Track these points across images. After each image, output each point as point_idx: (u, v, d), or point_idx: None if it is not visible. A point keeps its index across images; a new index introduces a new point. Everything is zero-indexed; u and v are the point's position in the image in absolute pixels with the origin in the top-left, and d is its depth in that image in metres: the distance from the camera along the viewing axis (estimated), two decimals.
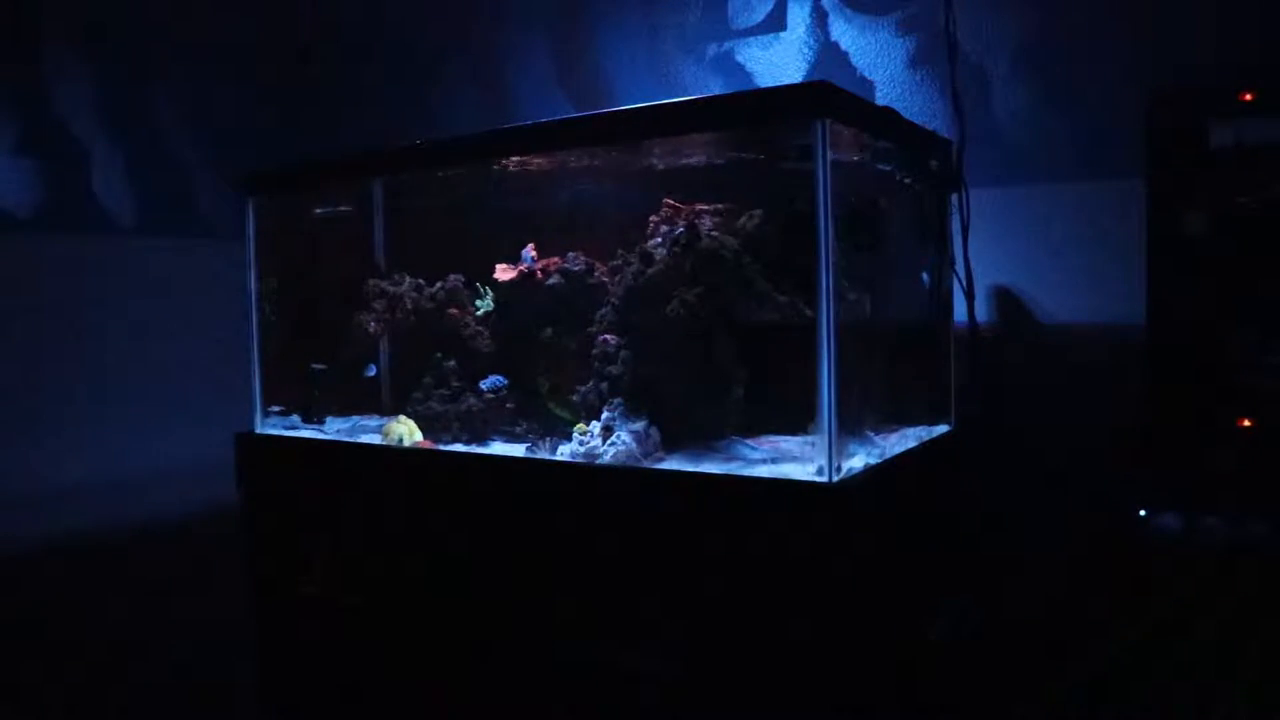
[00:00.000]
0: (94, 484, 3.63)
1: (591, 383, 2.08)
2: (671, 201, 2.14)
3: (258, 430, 2.59)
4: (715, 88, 3.12)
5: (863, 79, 2.85)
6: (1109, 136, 2.47)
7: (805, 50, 2.96)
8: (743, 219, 2.07)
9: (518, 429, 2.29)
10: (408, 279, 2.54)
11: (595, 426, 1.98)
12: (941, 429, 2.24)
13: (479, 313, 2.46)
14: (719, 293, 1.97)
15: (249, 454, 2.54)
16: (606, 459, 1.90)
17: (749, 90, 2.92)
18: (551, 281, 2.32)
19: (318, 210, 2.87)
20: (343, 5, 4.14)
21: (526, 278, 2.35)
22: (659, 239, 2.07)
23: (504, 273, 2.38)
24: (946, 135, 2.37)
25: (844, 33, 2.89)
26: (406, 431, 2.28)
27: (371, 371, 2.57)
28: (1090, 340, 2.50)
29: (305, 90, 4.29)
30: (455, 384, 2.37)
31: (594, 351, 2.09)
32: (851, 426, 1.80)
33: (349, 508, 2.30)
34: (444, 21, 3.86)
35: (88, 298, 3.71)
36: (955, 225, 2.29)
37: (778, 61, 3.02)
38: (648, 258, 2.04)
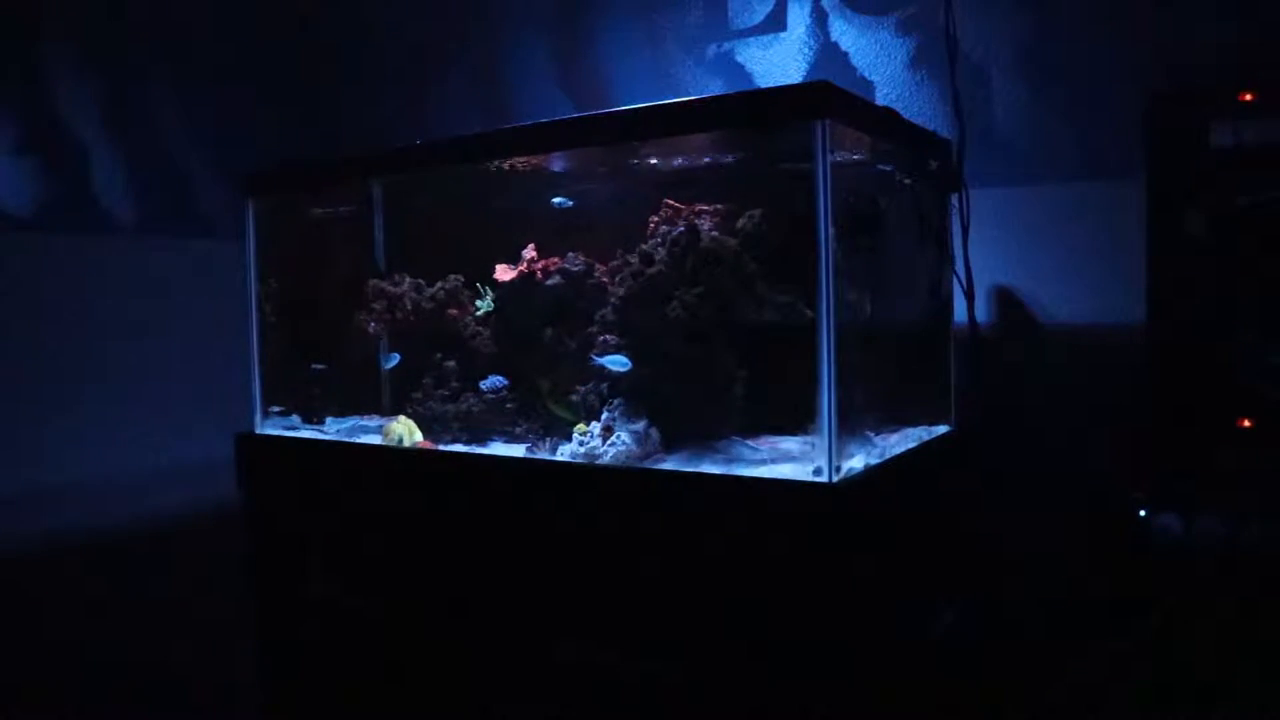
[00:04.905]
0: (94, 484, 3.62)
1: (591, 383, 2.08)
2: (671, 202, 2.14)
3: (258, 430, 2.59)
4: (715, 88, 3.12)
5: (863, 79, 2.85)
6: (1109, 136, 2.47)
7: (805, 50, 2.96)
8: (743, 219, 2.07)
9: (518, 429, 2.29)
10: (408, 279, 2.54)
11: (595, 426, 1.98)
12: (941, 429, 2.24)
13: (479, 313, 2.46)
14: (719, 293, 1.97)
15: (249, 454, 2.54)
16: (606, 459, 1.90)
17: (749, 90, 2.92)
18: (551, 281, 2.32)
19: (317, 210, 2.87)
20: (342, 5, 4.14)
21: (526, 278, 2.35)
22: (659, 239, 2.07)
23: (504, 273, 2.38)
24: (947, 135, 2.37)
25: (844, 33, 2.89)
26: (406, 431, 2.28)
27: (395, 360, 2.53)
28: (1090, 340, 2.50)
29: (305, 90, 4.29)
30: (455, 384, 2.37)
31: (594, 351, 2.09)
32: (851, 427, 1.80)
33: (349, 508, 2.30)
34: (444, 21, 3.85)
35: (88, 298, 3.71)
36: (955, 225, 2.29)
37: (778, 61, 3.01)
38: (648, 258, 2.04)
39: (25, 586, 2.89)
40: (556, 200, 2.31)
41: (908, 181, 2.26)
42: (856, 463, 1.78)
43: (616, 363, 2.00)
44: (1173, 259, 2.07)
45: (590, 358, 2.05)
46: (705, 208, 2.12)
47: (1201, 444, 2.05)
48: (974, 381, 2.31)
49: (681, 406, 1.98)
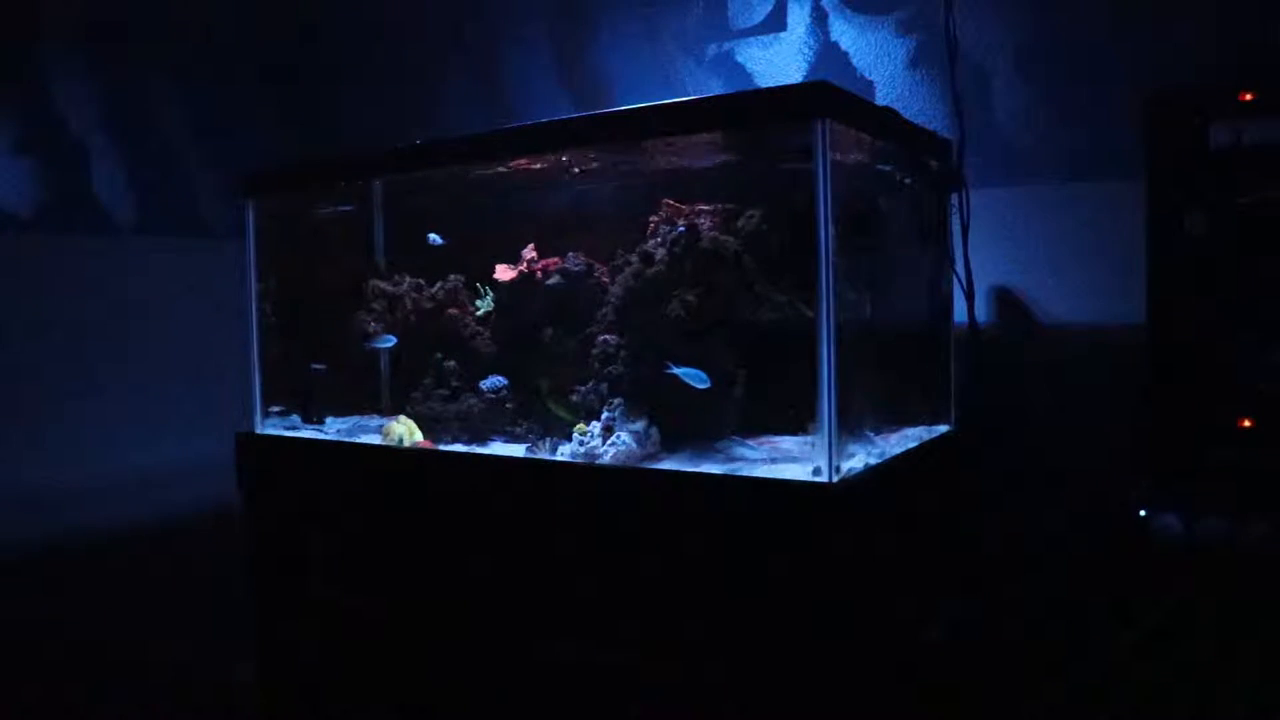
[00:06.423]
0: (94, 484, 3.63)
1: (591, 383, 2.08)
2: (671, 202, 2.14)
3: (258, 430, 2.59)
4: (715, 88, 3.12)
5: (863, 79, 2.85)
6: (1109, 136, 2.47)
7: (805, 50, 2.96)
8: (743, 219, 2.07)
9: (518, 429, 2.29)
10: (408, 279, 2.54)
11: (595, 426, 1.98)
12: (941, 429, 2.23)
13: (479, 313, 2.46)
14: (719, 293, 1.97)
15: (249, 454, 2.54)
16: (606, 459, 1.90)
17: (749, 90, 2.92)
18: (551, 281, 2.32)
19: (317, 210, 2.87)
20: (342, 5, 4.14)
21: (526, 278, 2.35)
22: (659, 239, 2.07)
23: (504, 273, 2.38)
24: (947, 135, 2.37)
25: (844, 33, 2.89)
26: (406, 431, 2.28)
27: (389, 342, 2.49)
28: (1090, 340, 2.50)
29: (305, 90, 4.29)
30: (455, 384, 2.37)
31: (594, 351, 2.09)
32: (851, 427, 1.80)
33: (349, 508, 2.30)
34: (443, 21, 3.86)
35: (88, 298, 3.71)
36: (955, 225, 2.29)
37: (778, 61, 3.02)
38: (648, 258, 2.04)
39: (26, 586, 2.90)
40: (431, 237, 2.35)
41: (908, 181, 2.26)
42: (856, 463, 1.77)
43: (696, 377, 1.85)
44: (1173, 259, 2.08)
45: (666, 365, 1.90)
46: (705, 208, 2.12)
47: (1201, 444, 2.05)
48: (974, 381, 2.31)
49: (681, 406, 1.97)
